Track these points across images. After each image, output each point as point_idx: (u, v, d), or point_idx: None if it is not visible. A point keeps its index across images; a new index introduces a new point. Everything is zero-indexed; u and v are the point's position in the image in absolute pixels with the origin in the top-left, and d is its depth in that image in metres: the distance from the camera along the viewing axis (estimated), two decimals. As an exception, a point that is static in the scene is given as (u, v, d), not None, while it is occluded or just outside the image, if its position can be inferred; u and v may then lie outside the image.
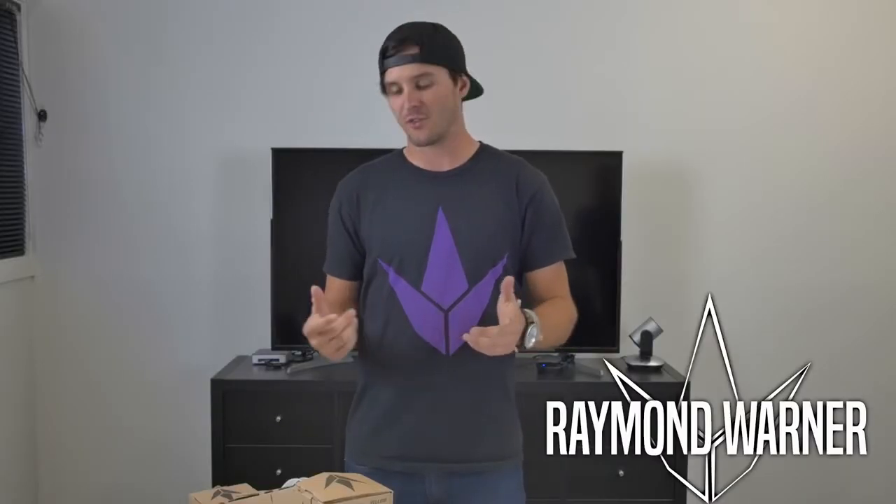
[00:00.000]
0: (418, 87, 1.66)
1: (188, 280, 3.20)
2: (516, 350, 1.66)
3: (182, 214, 3.19)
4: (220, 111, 3.16)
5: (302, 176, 2.97)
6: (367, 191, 1.77)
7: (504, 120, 3.10)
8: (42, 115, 3.15)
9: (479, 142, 1.82)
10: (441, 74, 1.68)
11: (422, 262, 1.71)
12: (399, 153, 1.82)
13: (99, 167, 3.17)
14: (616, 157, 3.00)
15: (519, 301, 1.58)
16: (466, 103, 1.79)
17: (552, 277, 1.78)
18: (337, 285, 1.83)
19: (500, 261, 1.72)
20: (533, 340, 1.59)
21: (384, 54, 1.68)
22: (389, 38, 1.69)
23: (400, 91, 1.67)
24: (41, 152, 3.17)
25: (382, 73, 1.70)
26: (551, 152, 2.92)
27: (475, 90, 1.79)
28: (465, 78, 1.75)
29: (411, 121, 1.67)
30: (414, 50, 1.65)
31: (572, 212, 3.01)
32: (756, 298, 3.23)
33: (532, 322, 1.59)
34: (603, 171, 3.03)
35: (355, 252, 1.79)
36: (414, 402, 1.72)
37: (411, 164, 1.78)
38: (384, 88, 1.72)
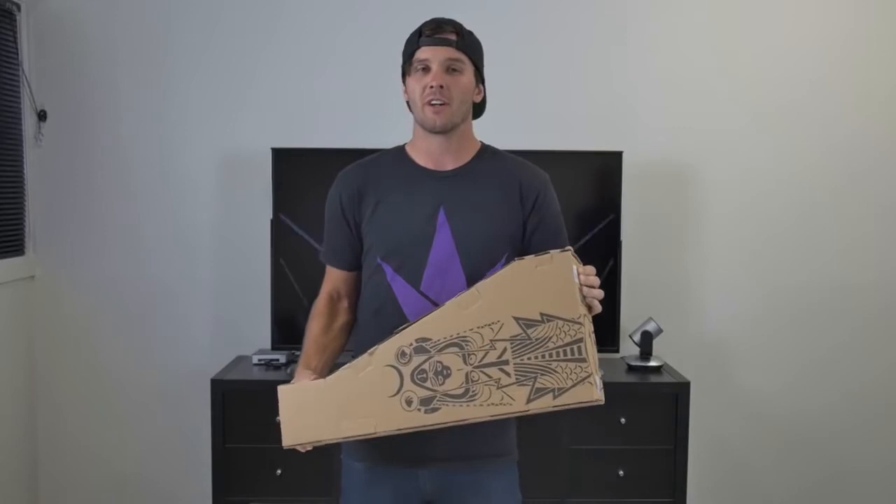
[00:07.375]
0: (448, 72, 1.68)
1: (188, 280, 3.20)
2: None
3: (182, 214, 3.19)
4: (220, 111, 3.16)
5: (302, 176, 2.97)
6: (369, 187, 1.77)
7: (504, 119, 3.10)
8: (42, 115, 3.15)
9: (481, 142, 1.83)
10: (469, 69, 1.73)
11: (421, 263, 1.71)
12: (401, 149, 1.82)
13: (99, 167, 3.17)
14: (616, 157, 3.00)
15: None
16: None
17: None
18: (336, 275, 1.84)
19: (498, 262, 1.72)
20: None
21: (419, 35, 1.71)
22: (426, 23, 1.73)
23: (427, 70, 1.69)
24: (41, 152, 3.17)
25: (411, 53, 1.71)
26: (551, 152, 2.93)
27: (479, 108, 1.81)
28: (481, 86, 1.78)
29: (432, 103, 1.68)
30: (452, 36, 1.70)
31: (572, 212, 3.01)
32: (756, 297, 3.24)
33: None
34: (603, 171, 3.03)
35: (354, 244, 1.80)
36: None
37: (415, 163, 1.78)
38: (407, 71, 1.73)
